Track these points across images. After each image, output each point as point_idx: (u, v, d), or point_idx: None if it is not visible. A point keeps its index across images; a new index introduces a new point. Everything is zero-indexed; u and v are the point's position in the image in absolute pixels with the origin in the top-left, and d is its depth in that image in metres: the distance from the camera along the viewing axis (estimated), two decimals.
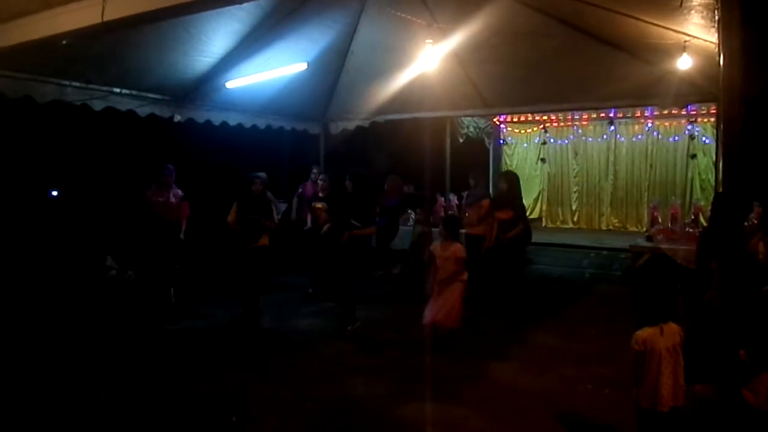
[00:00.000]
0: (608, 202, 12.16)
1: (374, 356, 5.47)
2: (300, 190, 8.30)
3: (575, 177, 12.52)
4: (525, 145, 13.10)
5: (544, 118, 12.32)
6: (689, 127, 11.20)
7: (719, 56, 2.87)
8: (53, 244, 7.73)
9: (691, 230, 8.41)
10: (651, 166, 11.68)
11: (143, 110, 7.14)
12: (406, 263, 8.11)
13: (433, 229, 8.05)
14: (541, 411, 4.17)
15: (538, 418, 4.07)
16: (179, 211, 7.33)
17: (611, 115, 11.60)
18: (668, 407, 3.04)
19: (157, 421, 4.08)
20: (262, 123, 8.92)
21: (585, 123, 12.18)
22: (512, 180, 7.15)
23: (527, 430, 3.98)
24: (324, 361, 5.31)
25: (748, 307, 3.07)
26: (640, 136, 11.81)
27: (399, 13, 6.42)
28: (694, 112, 10.84)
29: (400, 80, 7.85)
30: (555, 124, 12.53)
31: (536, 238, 8.17)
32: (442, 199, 11.24)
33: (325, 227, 6.51)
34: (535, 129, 12.81)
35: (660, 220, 9.84)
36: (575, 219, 12.42)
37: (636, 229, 11.49)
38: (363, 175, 6.43)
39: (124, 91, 6.84)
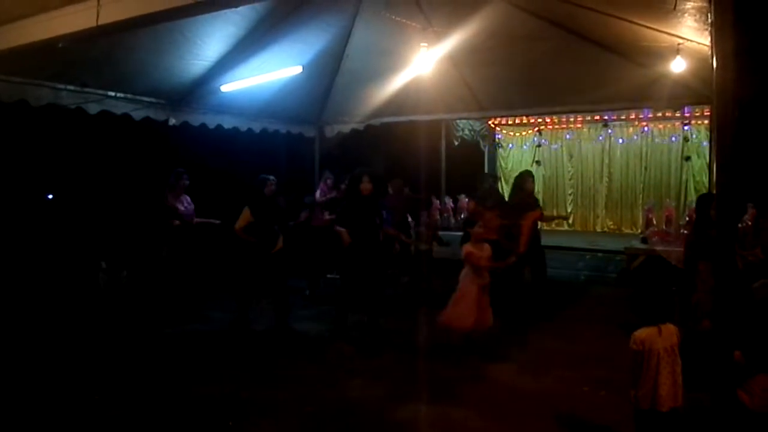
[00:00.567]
0: (603, 204, 12.20)
1: (373, 359, 5.45)
2: (316, 195, 8.06)
3: (570, 179, 12.56)
4: (520, 147, 13.12)
5: (539, 120, 12.35)
6: (685, 128, 11.25)
7: (712, 59, 2.88)
8: (49, 247, 7.69)
9: (685, 232, 8.45)
10: (645, 168, 11.73)
11: (138, 114, 7.11)
12: (412, 273, 7.88)
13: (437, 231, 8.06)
14: (539, 412, 4.18)
15: (537, 420, 4.08)
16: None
17: (606, 117, 11.63)
18: (667, 407, 3.05)
19: (154, 425, 4.06)
20: (257, 126, 8.90)
21: (579, 125, 12.22)
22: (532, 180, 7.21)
23: None
24: (322, 364, 5.30)
25: (742, 307, 3.08)
26: (635, 138, 11.86)
27: (394, 17, 6.43)
28: (689, 115, 10.90)
29: (395, 83, 7.83)
30: (550, 127, 12.56)
31: None
32: (438, 202, 11.26)
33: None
34: (530, 131, 12.83)
35: (655, 222, 9.91)
36: (570, 221, 12.44)
37: (631, 231, 11.53)
38: (381, 176, 6.12)
39: (119, 94, 6.81)
